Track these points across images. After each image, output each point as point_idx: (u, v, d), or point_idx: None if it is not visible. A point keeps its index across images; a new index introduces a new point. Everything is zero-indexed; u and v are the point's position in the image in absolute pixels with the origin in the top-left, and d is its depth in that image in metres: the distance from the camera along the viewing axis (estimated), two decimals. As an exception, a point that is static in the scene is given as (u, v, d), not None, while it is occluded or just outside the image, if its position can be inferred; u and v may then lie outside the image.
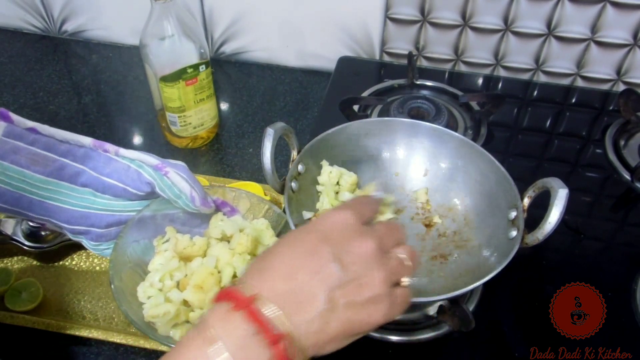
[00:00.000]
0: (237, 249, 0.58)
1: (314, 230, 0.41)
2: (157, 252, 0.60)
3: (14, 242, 0.68)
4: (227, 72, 1.03)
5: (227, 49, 1.05)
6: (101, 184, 0.59)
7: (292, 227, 0.57)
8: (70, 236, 0.63)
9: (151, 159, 0.60)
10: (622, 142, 0.85)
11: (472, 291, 0.64)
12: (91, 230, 0.61)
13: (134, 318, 0.53)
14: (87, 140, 0.60)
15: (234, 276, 0.57)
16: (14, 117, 0.58)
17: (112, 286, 0.55)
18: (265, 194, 0.75)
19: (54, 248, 0.68)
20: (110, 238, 0.62)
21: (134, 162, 0.60)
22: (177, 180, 0.59)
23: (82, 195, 0.60)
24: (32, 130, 0.59)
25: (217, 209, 0.64)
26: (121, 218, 0.61)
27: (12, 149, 0.57)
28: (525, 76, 0.99)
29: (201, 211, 0.61)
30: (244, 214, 0.65)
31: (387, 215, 0.59)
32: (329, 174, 0.66)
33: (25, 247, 0.68)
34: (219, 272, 0.57)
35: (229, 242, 0.61)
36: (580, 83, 0.98)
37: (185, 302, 0.56)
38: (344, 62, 1.00)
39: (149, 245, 0.61)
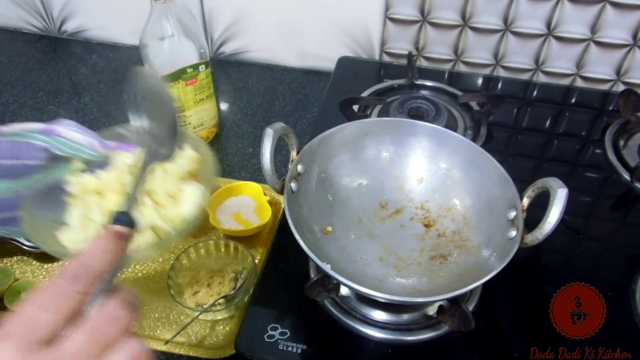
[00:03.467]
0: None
1: None
2: (72, 205, 0.56)
3: (14, 242, 0.68)
4: (227, 72, 1.03)
5: (227, 49, 1.05)
6: None
7: (292, 227, 0.57)
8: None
9: (36, 125, 0.58)
10: (621, 143, 0.85)
11: (472, 291, 0.64)
12: (8, 217, 0.58)
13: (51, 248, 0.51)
14: None
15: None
16: None
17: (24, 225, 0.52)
18: (265, 194, 0.76)
19: (54, 248, 0.68)
20: None
21: (18, 134, 0.57)
22: (70, 135, 0.57)
23: None
24: None
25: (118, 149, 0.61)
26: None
27: None
28: (525, 76, 0.99)
29: (105, 154, 0.59)
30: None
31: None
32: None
33: (25, 247, 0.68)
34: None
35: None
36: (579, 83, 0.98)
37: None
38: (343, 62, 1.00)
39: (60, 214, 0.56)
